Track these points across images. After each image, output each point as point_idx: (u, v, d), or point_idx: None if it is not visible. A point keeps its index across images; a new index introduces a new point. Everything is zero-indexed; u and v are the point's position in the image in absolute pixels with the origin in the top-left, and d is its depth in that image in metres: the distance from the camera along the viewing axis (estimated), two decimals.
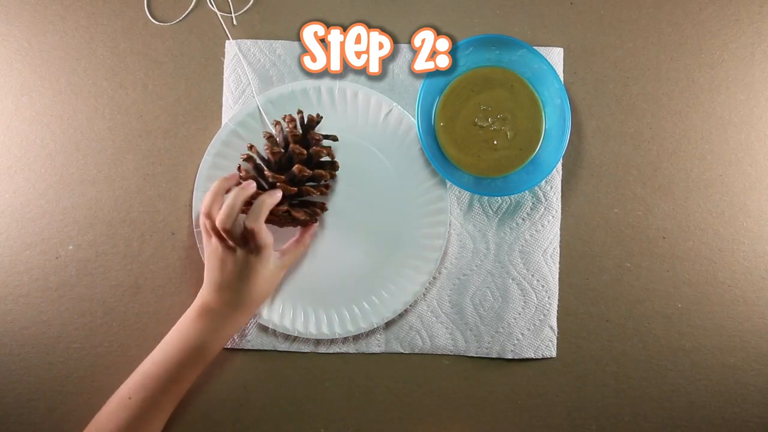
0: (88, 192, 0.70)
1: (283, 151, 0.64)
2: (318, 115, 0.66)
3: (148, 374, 0.62)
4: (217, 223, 0.60)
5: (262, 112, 0.69)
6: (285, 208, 0.63)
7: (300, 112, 0.66)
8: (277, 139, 0.65)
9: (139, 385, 0.62)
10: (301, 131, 0.66)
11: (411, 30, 0.71)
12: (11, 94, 0.70)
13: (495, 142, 0.68)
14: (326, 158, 0.67)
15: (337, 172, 0.68)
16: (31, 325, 0.69)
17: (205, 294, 0.64)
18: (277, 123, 0.66)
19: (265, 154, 0.65)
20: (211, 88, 0.71)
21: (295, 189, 0.63)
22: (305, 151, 0.64)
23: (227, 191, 0.63)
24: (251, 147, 0.66)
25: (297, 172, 0.63)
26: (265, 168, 0.65)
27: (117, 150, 0.70)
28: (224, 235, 0.61)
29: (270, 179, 0.63)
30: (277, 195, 0.62)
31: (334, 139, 0.67)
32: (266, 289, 0.65)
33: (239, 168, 0.66)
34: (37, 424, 0.64)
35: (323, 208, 0.67)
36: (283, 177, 0.63)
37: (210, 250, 0.64)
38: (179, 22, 0.71)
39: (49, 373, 0.68)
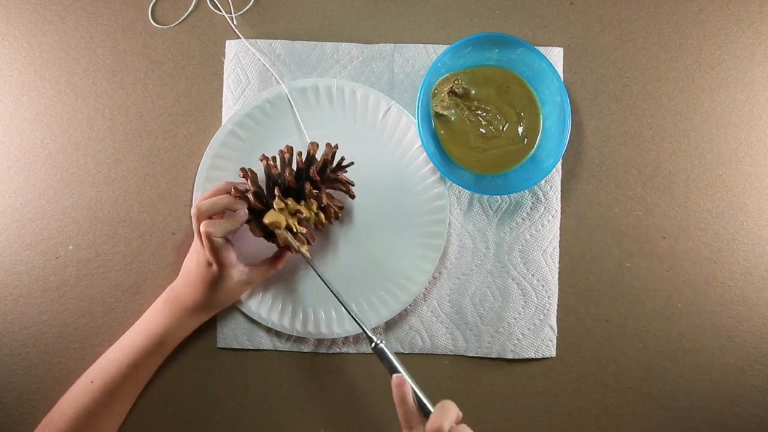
0: (88, 192, 0.70)
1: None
2: (335, 147, 0.64)
3: (111, 359, 0.64)
4: (193, 208, 0.60)
5: (291, 99, 0.69)
6: (262, 233, 0.62)
7: (311, 148, 0.64)
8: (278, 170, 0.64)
9: (102, 369, 0.63)
10: (294, 175, 0.63)
11: (411, 30, 0.71)
12: (11, 94, 0.70)
13: (494, 140, 0.68)
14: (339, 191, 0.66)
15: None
16: (31, 325, 0.69)
17: (174, 283, 0.66)
18: (267, 159, 0.64)
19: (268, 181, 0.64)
20: (211, 88, 0.71)
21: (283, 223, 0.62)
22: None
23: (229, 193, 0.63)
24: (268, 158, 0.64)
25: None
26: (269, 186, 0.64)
27: (117, 150, 0.70)
28: (193, 220, 0.61)
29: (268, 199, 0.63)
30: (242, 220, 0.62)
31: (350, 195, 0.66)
32: (227, 299, 0.65)
33: (245, 174, 0.64)
34: (37, 423, 0.64)
35: (309, 240, 0.64)
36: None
37: (193, 243, 0.65)
38: (179, 23, 0.71)
39: (49, 373, 0.68)
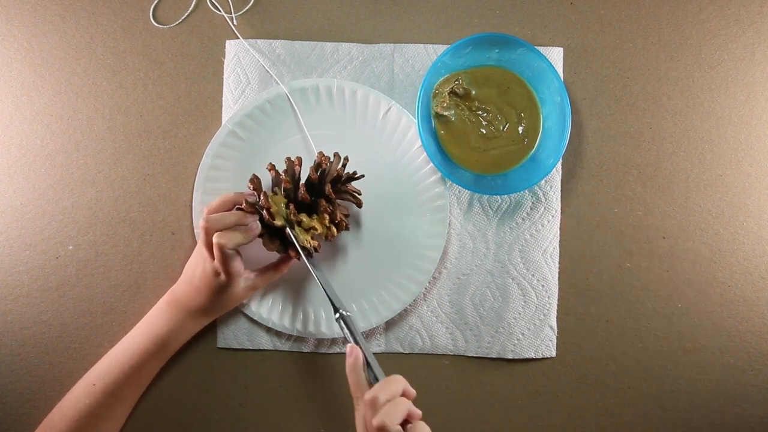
0: (88, 192, 0.70)
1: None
2: (344, 159, 0.64)
3: (113, 361, 0.63)
4: (201, 221, 0.60)
5: (291, 99, 0.69)
6: (275, 246, 0.63)
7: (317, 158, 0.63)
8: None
9: (104, 371, 0.63)
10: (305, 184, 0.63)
11: (411, 30, 0.71)
12: (11, 94, 0.70)
13: (494, 140, 0.69)
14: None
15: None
16: (31, 325, 0.69)
17: (177, 286, 0.65)
18: (272, 171, 0.64)
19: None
20: (211, 88, 0.71)
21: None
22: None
23: (237, 204, 0.63)
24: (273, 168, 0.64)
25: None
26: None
27: (117, 150, 0.70)
28: (200, 231, 0.61)
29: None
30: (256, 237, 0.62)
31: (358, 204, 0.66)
32: (231, 304, 0.65)
33: (255, 187, 0.63)
34: (37, 424, 0.64)
35: (317, 248, 0.64)
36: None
37: (197, 247, 0.64)
38: (180, 23, 0.71)
39: (49, 373, 0.68)
